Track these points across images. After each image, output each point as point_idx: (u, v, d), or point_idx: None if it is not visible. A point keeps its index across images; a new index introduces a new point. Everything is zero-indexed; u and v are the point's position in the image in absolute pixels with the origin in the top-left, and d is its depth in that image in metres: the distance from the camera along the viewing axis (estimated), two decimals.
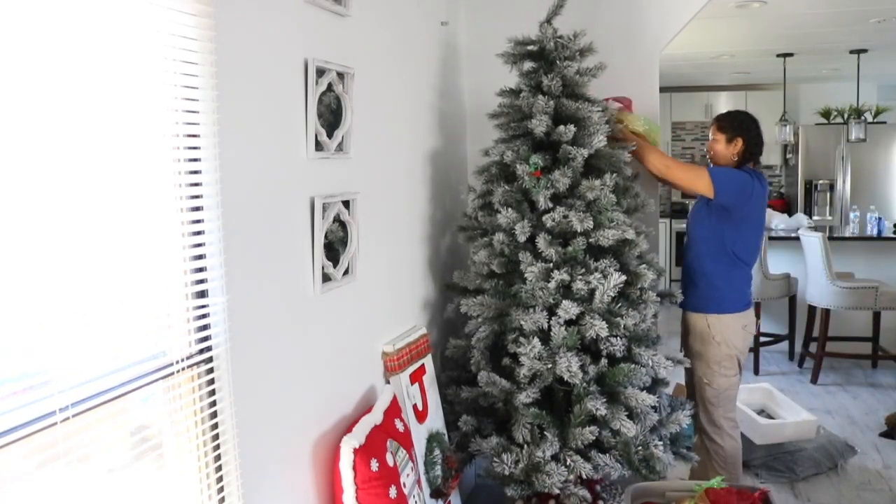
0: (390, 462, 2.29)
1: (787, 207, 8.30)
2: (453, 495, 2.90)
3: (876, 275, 5.86)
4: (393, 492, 2.23)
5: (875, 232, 6.28)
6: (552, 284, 2.74)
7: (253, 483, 1.91)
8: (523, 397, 2.76)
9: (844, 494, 3.63)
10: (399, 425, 2.49)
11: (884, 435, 4.40)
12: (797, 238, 5.79)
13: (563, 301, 2.72)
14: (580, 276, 2.73)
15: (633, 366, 2.73)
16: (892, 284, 5.61)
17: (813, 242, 5.51)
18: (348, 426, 2.29)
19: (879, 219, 6.33)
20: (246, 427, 1.87)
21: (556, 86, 2.81)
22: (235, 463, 1.82)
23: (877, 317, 5.69)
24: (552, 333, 2.74)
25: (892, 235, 6.21)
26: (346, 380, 2.47)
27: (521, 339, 2.77)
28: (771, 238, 6.06)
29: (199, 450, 1.74)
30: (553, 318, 2.75)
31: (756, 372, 5.68)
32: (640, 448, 2.75)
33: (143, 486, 1.59)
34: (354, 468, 2.15)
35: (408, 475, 2.43)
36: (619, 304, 2.77)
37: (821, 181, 8.07)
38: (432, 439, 2.80)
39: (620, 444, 2.74)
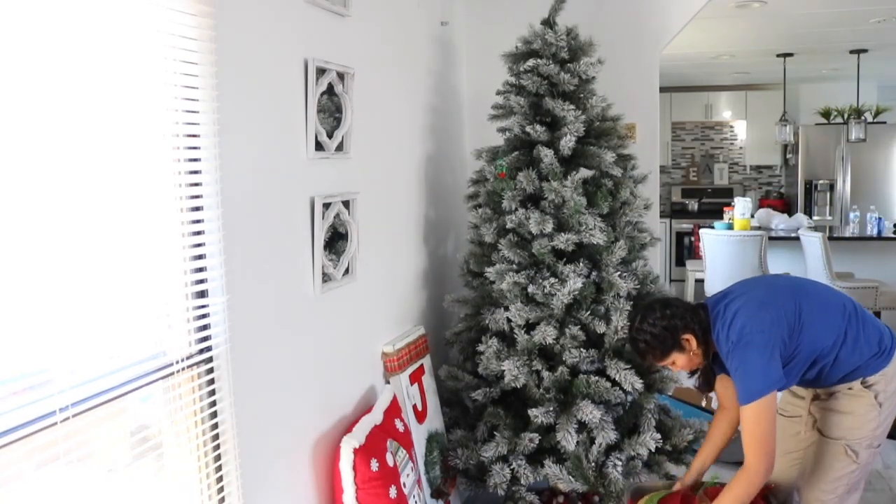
0: (390, 462, 2.29)
1: (787, 207, 8.30)
2: (453, 495, 2.90)
3: (876, 275, 5.86)
4: (393, 492, 2.23)
5: (875, 232, 6.28)
6: (504, 286, 2.70)
7: (253, 483, 1.91)
8: (476, 394, 2.77)
9: None
10: (399, 425, 2.49)
11: None
12: (797, 238, 5.78)
13: (517, 303, 2.69)
14: (540, 280, 2.66)
15: (596, 378, 2.60)
16: (892, 284, 5.60)
17: (813, 242, 5.51)
18: (348, 426, 2.29)
19: (879, 219, 6.33)
20: (246, 427, 1.87)
21: (535, 85, 2.78)
22: (235, 463, 1.82)
23: (877, 317, 5.68)
24: (515, 336, 2.71)
25: (892, 235, 6.21)
26: (346, 380, 2.47)
27: (483, 338, 2.78)
28: (771, 238, 6.05)
29: (199, 450, 1.73)
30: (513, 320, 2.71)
31: None
32: (592, 464, 2.61)
33: (143, 486, 1.59)
34: (354, 468, 2.15)
35: (408, 475, 2.42)
36: (588, 312, 2.67)
37: (821, 181, 8.06)
38: (432, 439, 2.80)
39: (572, 458, 2.61)
